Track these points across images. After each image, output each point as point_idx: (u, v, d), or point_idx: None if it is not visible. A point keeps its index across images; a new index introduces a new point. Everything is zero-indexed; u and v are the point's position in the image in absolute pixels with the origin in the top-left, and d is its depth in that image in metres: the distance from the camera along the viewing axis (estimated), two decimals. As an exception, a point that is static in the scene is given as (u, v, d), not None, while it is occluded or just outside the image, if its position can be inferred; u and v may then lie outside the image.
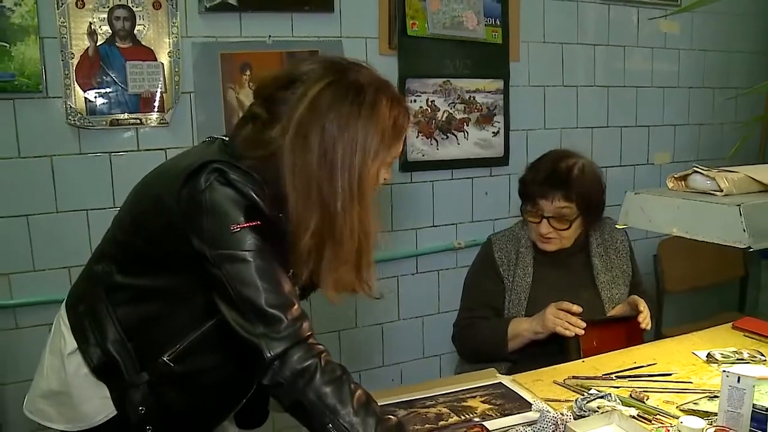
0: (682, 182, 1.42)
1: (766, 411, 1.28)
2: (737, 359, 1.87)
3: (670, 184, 1.43)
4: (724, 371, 1.34)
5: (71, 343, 1.35)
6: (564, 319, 1.99)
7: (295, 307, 1.23)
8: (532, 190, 2.18)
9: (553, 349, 2.07)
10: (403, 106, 1.33)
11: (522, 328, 2.10)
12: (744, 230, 1.17)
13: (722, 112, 3.65)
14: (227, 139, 1.35)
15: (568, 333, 1.97)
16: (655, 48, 3.40)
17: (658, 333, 3.04)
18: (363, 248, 1.29)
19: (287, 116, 1.23)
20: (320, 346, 1.24)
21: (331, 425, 1.17)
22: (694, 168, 1.38)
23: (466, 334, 2.27)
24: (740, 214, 1.18)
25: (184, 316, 1.33)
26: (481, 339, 2.20)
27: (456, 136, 2.92)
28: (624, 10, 3.28)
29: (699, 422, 1.39)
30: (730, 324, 2.17)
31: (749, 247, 1.18)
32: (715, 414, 1.52)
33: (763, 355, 1.90)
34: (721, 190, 1.31)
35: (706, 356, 1.90)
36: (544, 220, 2.14)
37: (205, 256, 1.20)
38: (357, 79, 1.26)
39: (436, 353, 3.08)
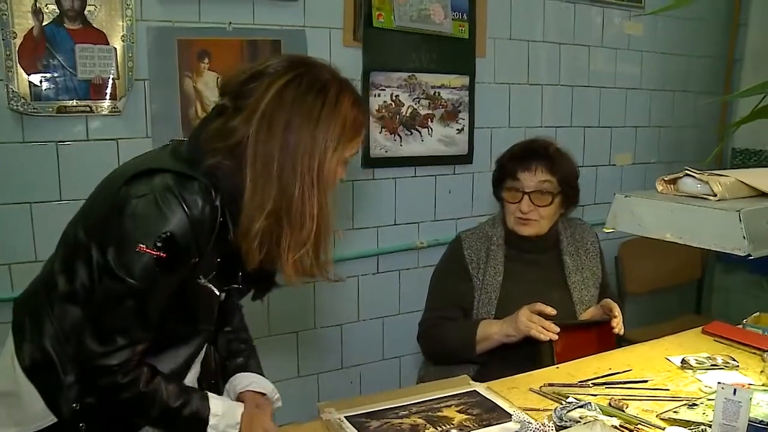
0: (672, 186, 1.37)
1: (761, 424, 1.23)
2: (711, 365, 1.84)
3: (660, 187, 1.38)
4: (719, 383, 1.30)
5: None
6: (538, 322, 1.93)
7: (140, 347, 1.27)
8: (512, 165, 2.14)
9: (524, 352, 2.01)
10: (363, 107, 1.38)
11: (492, 331, 2.03)
12: (744, 237, 1.12)
13: (681, 116, 3.67)
14: (186, 140, 1.37)
15: (542, 337, 1.91)
16: (619, 49, 3.38)
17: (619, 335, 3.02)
18: (321, 233, 1.31)
19: (252, 105, 1.25)
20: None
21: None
22: (686, 171, 1.32)
23: (432, 335, 2.19)
24: (740, 221, 1.13)
25: None
26: (448, 340, 2.13)
27: (420, 132, 2.84)
28: (589, 10, 3.25)
29: (686, 434, 1.35)
30: (700, 328, 2.15)
31: (749, 255, 1.14)
32: (697, 423, 1.49)
33: (735, 361, 1.87)
34: (715, 195, 1.26)
35: (681, 362, 1.87)
36: (525, 197, 2.10)
37: (105, 251, 1.23)
38: (322, 75, 1.30)
39: (397, 355, 3.00)
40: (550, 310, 1.94)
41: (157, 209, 1.20)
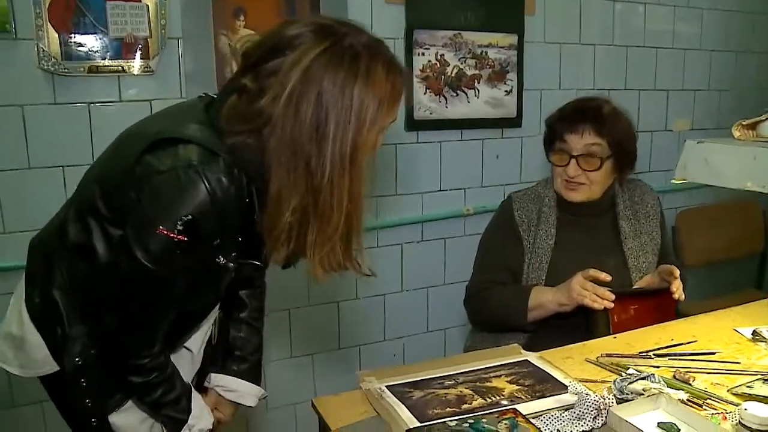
0: (751, 131, 1.22)
1: None
2: (786, 337, 1.69)
3: (737, 133, 1.24)
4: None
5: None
6: (591, 290, 1.80)
7: (162, 328, 1.26)
8: (559, 127, 2.02)
9: (577, 321, 1.89)
10: (399, 69, 1.23)
11: (546, 299, 1.91)
12: (842, 183, 0.97)
13: (744, 78, 3.45)
14: (215, 100, 1.27)
15: (596, 306, 1.78)
16: (677, 6, 3.18)
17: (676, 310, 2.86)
18: (353, 222, 1.21)
19: (278, 85, 1.14)
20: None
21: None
22: (769, 113, 1.18)
23: (481, 298, 2.08)
24: (838, 164, 0.98)
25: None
26: (498, 305, 2.01)
27: (466, 93, 2.70)
28: (646, -36, 3.06)
29: (766, 410, 1.21)
30: (770, 299, 1.99)
31: None
32: (776, 399, 1.34)
33: (813, 333, 1.71)
34: (803, 139, 1.12)
35: (752, 334, 1.72)
36: (573, 161, 1.97)
37: (124, 226, 1.19)
38: (352, 44, 1.17)
39: (441, 327, 2.90)
40: (605, 276, 1.80)
41: (179, 189, 1.13)
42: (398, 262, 2.76)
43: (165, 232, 1.12)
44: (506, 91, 2.78)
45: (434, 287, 2.85)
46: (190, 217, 1.12)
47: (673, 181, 1.23)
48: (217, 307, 1.46)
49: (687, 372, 1.49)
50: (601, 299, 1.79)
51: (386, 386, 1.45)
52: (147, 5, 2.13)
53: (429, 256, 2.81)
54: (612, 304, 1.79)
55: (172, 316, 1.27)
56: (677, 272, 1.90)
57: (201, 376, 1.51)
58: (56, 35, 2.03)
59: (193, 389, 1.39)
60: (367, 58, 1.17)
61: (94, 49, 2.08)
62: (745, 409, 1.21)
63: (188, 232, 1.13)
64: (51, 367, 1.29)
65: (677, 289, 1.89)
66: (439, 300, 2.85)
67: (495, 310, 2.02)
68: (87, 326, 1.28)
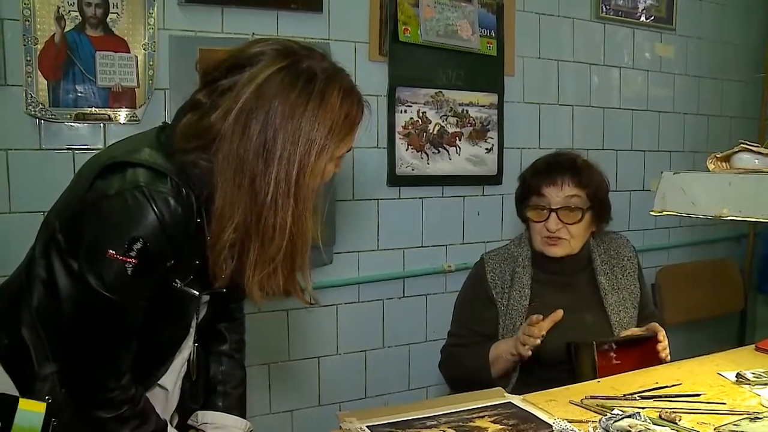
0: (725, 163, 1.26)
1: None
2: (770, 380, 1.69)
3: (711, 165, 1.27)
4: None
5: None
6: (527, 333, 1.78)
7: (127, 359, 1.22)
8: (536, 180, 2.00)
9: (562, 375, 1.86)
10: (357, 97, 1.24)
11: (501, 350, 1.91)
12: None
13: (716, 140, 3.54)
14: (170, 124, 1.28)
15: (523, 351, 1.78)
16: (650, 71, 3.30)
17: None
18: (296, 248, 1.20)
19: (231, 101, 1.14)
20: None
21: None
22: (741, 144, 1.21)
23: (451, 362, 2.08)
24: (811, 187, 1.01)
25: None
26: (464, 366, 2.01)
27: (448, 150, 2.75)
28: (620, 31, 3.18)
29: (753, 440, 1.20)
30: (753, 346, 2.00)
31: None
32: (763, 435, 1.33)
33: (795, 377, 1.71)
34: (776, 169, 1.15)
35: (736, 377, 1.71)
36: (552, 215, 1.95)
37: (77, 255, 1.17)
38: (310, 66, 1.18)
39: (423, 385, 2.85)
40: (552, 317, 1.79)
41: (126, 211, 1.12)
42: (379, 318, 2.74)
43: (115, 256, 1.11)
44: (487, 149, 2.84)
45: (416, 344, 2.82)
46: (138, 238, 1.12)
47: (652, 213, 1.25)
48: (192, 341, 1.41)
49: (673, 412, 1.48)
50: (524, 346, 1.79)
51: (367, 426, 1.43)
52: (136, 56, 2.17)
53: (410, 312, 2.79)
54: (539, 341, 1.77)
55: (134, 346, 1.23)
56: (663, 334, 1.90)
57: (182, 414, 1.47)
58: (45, 82, 2.05)
59: (170, 425, 1.34)
60: (322, 82, 1.17)
61: (82, 96, 2.11)
62: (732, 441, 1.20)
63: (138, 254, 1.12)
64: None
65: (663, 350, 1.88)
66: (421, 357, 2.81)
67: (463, 371, 2.01)
68: (56, 364, 1.24)
